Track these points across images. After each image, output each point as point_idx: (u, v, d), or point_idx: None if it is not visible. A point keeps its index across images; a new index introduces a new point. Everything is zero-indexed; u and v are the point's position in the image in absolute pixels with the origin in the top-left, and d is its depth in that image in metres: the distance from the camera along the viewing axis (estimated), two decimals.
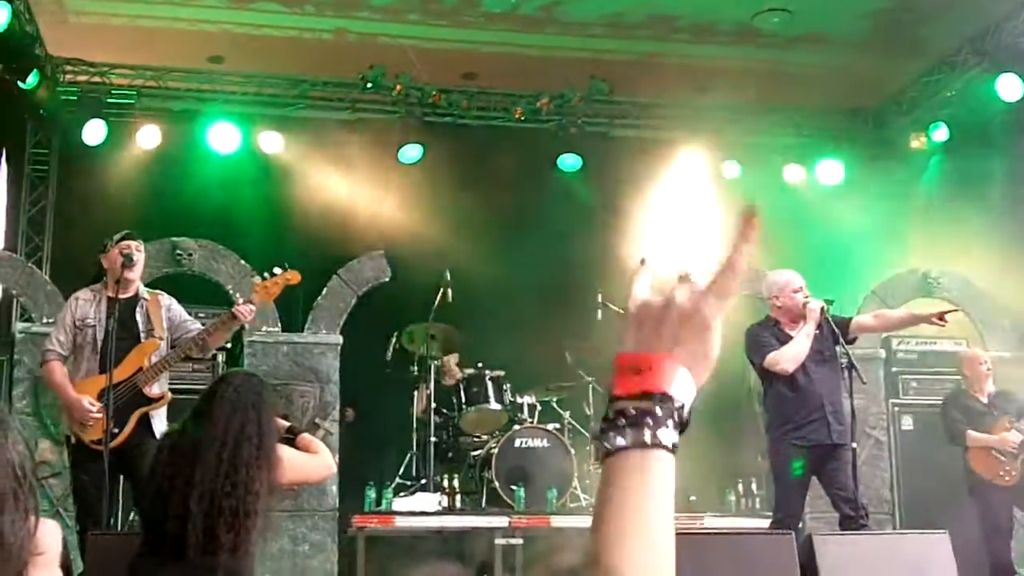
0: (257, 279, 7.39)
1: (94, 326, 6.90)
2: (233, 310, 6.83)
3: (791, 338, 7.45)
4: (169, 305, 7.16)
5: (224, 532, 4.13)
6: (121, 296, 6.90)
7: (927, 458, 9.87)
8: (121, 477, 7.14)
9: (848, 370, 7.36)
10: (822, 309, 7.38)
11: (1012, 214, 11.06)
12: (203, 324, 7.15)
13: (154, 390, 6.91)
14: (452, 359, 11.05)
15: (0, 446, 1.51)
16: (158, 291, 7.24)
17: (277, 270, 7.00)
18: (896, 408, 10.60)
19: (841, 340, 7.44)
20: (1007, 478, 8.94)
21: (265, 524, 4.31)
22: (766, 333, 7.57)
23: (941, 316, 7.40)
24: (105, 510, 6.58)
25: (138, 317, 6.99)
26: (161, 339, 6.99)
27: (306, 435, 5.00)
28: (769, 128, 12.95)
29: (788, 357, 7.34)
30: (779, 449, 7.45)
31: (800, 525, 7.65)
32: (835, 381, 7.50)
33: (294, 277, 7.05)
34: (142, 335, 6.96)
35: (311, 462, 4.80)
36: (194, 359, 7.90)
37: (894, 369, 10.74)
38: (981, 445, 9.00)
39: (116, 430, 6.62)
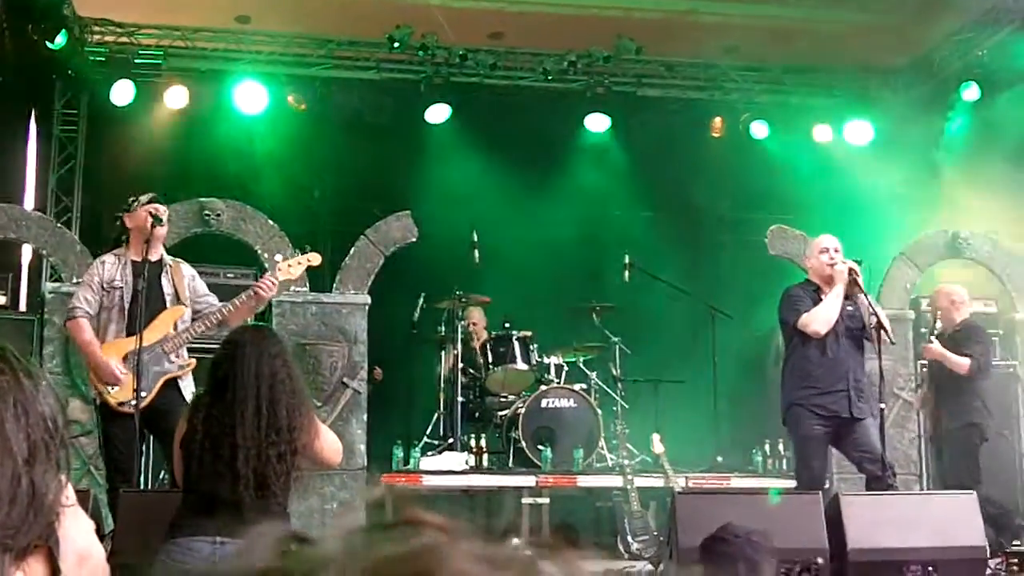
0: (279, 257, 7.53)
1: (121, 288, 6.90)
2: (254, 287, 6.94)
3: None
4: (193, 275, 7.19)
5: (275, 478, 4.20)
6: (147, 259, 6.93)
7: None
8: (150, 437, 7.23)
9: (876, 331, 7.32)
10: (851, 270, 7.31)
11: None
12: (231, 283, 7.23)
13: (180, 356, 6.98)
14: (477, 312, 11.08)
15: (32, 398, 1.52)
16: (180, 260, 7.28)
17: (297, 252, 7.21)
18: (924, 369, 10.53)
19: (870, 301, 7.40)
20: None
21: (302, 471, 4.39)
22: (802, 294, 7.51)
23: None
24: (136, 469, 6.68)
25: (163, 282, 7.00)
26: (187, 307, 7.03)
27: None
28: (798, 88, 12.86)
29: (820, 319, 7.25)
30: (798, 413, 7.39)
31: (827, 485, 7.63)
32: (861, 358, 7.48)
33: (315, 259, 7.37)
34: (168, 300, 6.99)
35: (331, 437, 4.80)
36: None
37: (923, 330, 10.67)
38: None
39: (143, 393, 6.67)
